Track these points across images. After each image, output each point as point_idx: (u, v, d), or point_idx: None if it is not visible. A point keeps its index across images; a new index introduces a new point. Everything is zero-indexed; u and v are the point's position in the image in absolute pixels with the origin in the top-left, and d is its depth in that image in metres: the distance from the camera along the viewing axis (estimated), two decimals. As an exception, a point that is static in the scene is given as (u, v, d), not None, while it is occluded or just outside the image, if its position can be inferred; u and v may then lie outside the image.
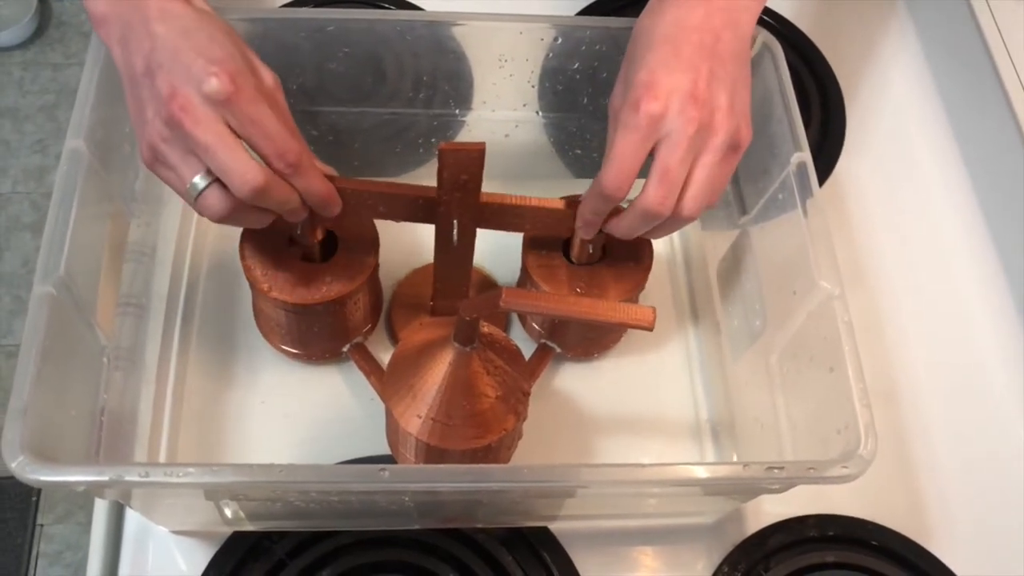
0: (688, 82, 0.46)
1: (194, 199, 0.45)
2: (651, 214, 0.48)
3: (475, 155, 0.48)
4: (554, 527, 0.57)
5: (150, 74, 0.44)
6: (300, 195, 0.47)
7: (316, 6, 0.75)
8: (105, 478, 0.41)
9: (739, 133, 0.48)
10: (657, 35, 0.48)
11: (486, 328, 0.50)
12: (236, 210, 0.45)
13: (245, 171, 0.43)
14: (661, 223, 0.49)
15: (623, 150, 0.46)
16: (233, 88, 0.42)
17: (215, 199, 0.45)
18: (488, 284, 0.65)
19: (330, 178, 0.49)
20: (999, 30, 0.69)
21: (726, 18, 0.48)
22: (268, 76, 0.46)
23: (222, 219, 0.46)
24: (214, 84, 0.42)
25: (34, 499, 1.30)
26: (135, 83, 0.45)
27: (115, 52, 0.46)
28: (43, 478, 0.41)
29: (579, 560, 0.56)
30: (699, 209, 0.48)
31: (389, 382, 0.50)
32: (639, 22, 0.51)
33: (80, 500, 1.30)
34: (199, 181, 0.44)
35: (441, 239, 0.54)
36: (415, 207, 0.52)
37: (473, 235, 0.54)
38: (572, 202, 0.52)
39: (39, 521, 1.30)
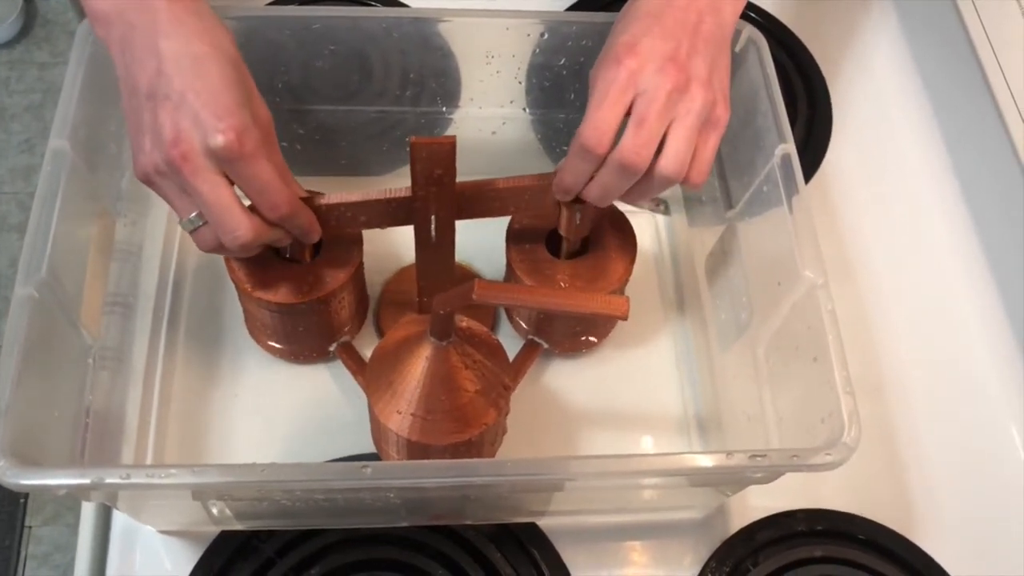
0: (669, 48, 0.47)
1: (188, 231, 0.46)
2: (627, 165, 0.47)
3: (447, 148, 0.47)
4: (542, 523, 0.57)
5: (153, 100, 0.43)
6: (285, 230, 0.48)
7: (302, 3, 0.75)
8: (87, 481, 0.41)
9: (716, 108, 0.48)
10: (642, 11, 0.49)
11: (464, 322, 0.50)
12: (225, 248, 0.47)
13: (236, 227, 0.45)
14: (639, 184, 0.48)
15: (601, 103, 0.46)
16: (238, 146, 0.43)
17: (208, 237, 0.46)
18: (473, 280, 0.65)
19: (308, 195, 0.50)
20: (982, 24, 0.70)
21: (709, 4, 0.49)
22: (264, 113, 0.46)
23: (212, 252, 0.47)
24: (220, 141, 0.42)
25: (22, 501, 1.30)
26: (135, 98, 0.44)
27: (114, 53, 0.45)
28: (24, 482, 0.41)
29: (567, 556, 0.56)
30: (679, 168, 0.47)
31: (370, 379, 0.50)
32: (625, 6, 0.51)
33: (68, 501, 1.29)
34: (194, 219, 0.45)
35: (420, 236, 0.54)
36: (394, 209, 0.52)
37: (452, 230, 0.54)
38: (546, 175, 0.52)
39: (27, 523, 1.29)
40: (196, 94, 0.43)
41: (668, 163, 0.47)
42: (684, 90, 0.46)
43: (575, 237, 0.55)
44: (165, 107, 0.43)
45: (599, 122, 0.46)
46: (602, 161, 0.47)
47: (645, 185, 0.48)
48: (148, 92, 0.43)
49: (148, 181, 0.45)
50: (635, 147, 0.46)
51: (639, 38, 0.47)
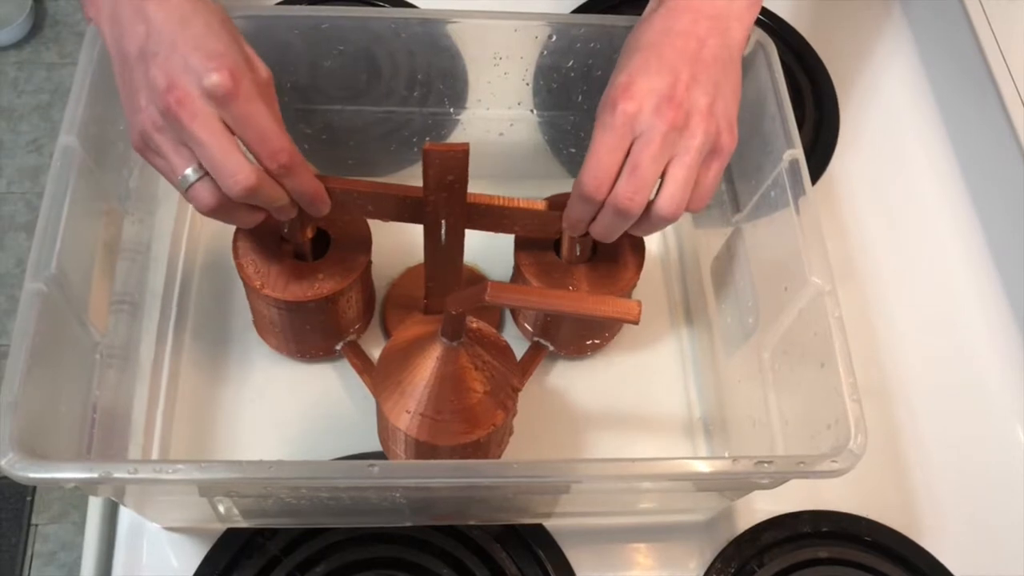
0: (666, 84, 0.46)
1: (184, 190, 0.45)
2: (620, 210, 0.47)
3: (460, 156, 0.48)
4: (549, 524, 0.57)
5: (144, 60, 0.43)
6: (289, 194, 0.47)
7: (310, 3, 0.75)
8: (95, 475, 0.41)
9: (719, 137, 0.48)
10: (643, 42, 0.49)
11: (474, 323, 0.50)
12: (226, 205, 0.45)
13: (237, 170, 0.43)
14: (640, 222, 0.49)
15: (599, 149, 0.47)
16: (232, 85, 0.42)
17: (206, 192, 0.45)
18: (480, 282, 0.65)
19: (319, 177, 0.49)
20: (992, 31, 0.70)
21: (713, 25, 0.48)
22: (262, 70, 0.46)
23: (212, 212, 0.46)
24: (214, 79, 0.42)
25: (28, 499, 1.30)
26: (127, 65, 0.44)
27: (104, 31, 0.46)
28: (33, 475, 0.41)
29: (573, 557, 0.57)
30: (675, 209, 0.47)
31: (378, 378, 0.50)
32: (631, 32, 0.51)
33: (75, 500, 1.30)
34: (191, 173, 0.44)
35: (430, 239, 0.54)
36: (403, 207, 0.52)
37: (462, 234, 0.54)
38: (558, 202, 0.52)
39: (33, 521, 1.30)
40: (184, 42, 0.43)
41: (663, 205, 0.47)
42: (683, 128, 0.46)
43: (574, 263, 0.56)
44: (156, 61, 0.43)
45: (595, 170, 0.47)
46: (600, 203, 0.48)
47: (645, 224, 0.49)
48: (139, 54, 0.43)
49: (145, 144, 0.45)
50: (627, 193, 0.47)
51: (635, 78, 0.47)
